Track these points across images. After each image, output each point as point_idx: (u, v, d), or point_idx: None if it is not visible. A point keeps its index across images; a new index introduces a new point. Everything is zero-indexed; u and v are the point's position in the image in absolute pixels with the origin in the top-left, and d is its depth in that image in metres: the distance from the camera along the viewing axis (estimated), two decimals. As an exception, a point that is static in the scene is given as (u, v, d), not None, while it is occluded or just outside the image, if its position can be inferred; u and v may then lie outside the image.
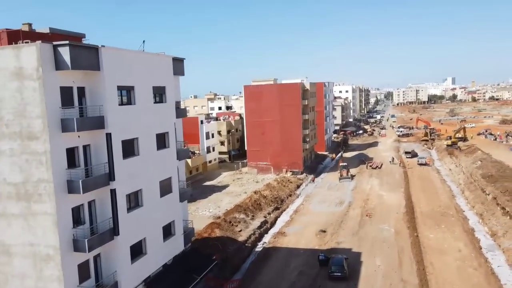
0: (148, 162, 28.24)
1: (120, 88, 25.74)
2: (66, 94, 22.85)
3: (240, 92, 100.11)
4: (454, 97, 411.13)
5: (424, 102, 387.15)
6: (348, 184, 74.87)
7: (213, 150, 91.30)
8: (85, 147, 24.16)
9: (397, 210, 57.07)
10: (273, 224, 55.32)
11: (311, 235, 49.33)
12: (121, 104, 26.06)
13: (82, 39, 30.23)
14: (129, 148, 26.56)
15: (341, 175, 78.49)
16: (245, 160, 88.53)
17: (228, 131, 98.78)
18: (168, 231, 31.18)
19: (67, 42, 21.90)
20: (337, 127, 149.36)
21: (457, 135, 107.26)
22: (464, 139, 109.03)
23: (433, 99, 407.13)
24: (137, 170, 27.10)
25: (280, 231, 51.68)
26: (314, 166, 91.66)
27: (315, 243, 46.72)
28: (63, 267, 22.28)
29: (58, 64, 21.96)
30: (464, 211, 55.74)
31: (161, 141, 30.17)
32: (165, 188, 30.43)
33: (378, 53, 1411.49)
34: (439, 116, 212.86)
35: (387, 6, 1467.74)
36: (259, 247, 47.24)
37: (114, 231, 25.10)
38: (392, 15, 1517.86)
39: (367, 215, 55.18)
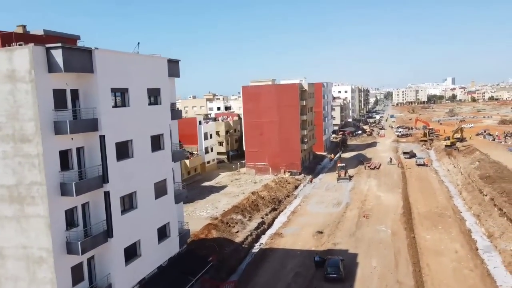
0: (142, 164, 28.23)
1: (114, 90, 25.74)
2: (59, 97, 22.85)
3: (238, 93, 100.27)
4: (453, 97, 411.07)
5: (423, 102, 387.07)
6: (346, 184, 74.84)
7: (212, 150, 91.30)
8: (78, 150, 24.15)
9: (394, 211, 57.05)
10: (270, 225, 55.30)
11: (308, 236, 49.31)
12: (115, 106, 26.06)
13: (77, 41, 30.22)
14: (123, 150, 26.55)
15: (339, 176, 78.47)
16: (243, 161, 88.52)
17: (227, 132, 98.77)
18: (163, 233, 31.17)
19: (59, 44, 21.88)
20: (336, 128, 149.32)
21: (455, 136, 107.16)
22: (461, 139, 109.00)
23: (433, 99, 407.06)
24: (131, 172, 27.08)
25: (277, 232, 51.66)
26: (312, 166, 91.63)
27: (311, 244, 46.70)
28: (56, 269, 22.27)
29: (51, 66, 21.95)
30: (461, 212, 55.70)
31: (156, 143, 30.16)
32: (160, 190, 30.43)
33: (378, 53, 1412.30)
34: (438, 116, 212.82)
35: (387, 6, 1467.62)
36: (256, 248, 47.22)
37: (108, 233, 25.09)
38: (392, 15, 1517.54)
39: (364, 216, 55.14)
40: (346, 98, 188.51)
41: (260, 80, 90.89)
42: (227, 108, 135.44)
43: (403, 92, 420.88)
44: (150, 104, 29.53)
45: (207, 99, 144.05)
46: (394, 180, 76.75)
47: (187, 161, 78.07)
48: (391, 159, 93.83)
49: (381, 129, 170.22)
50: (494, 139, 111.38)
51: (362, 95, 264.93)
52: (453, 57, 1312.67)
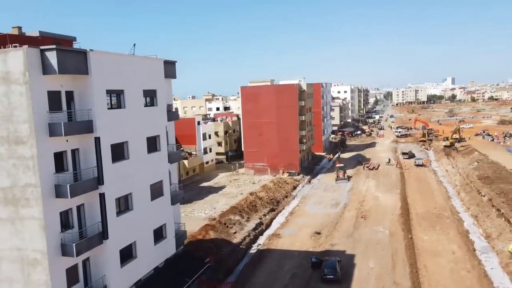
0: (138, 166, 28.20)
1: (109, 92, 25.72)
2: (54, 98, 22.82)
3: (238, 93, 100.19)
4: (453, 97, 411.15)
5: (423, 102, 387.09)
6: (344, 185, 74.83)
7: (210, 151, 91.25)
8: (73, 151, 24.12)
9: (392, 212, 57.02)
10: (268, 225, 55.27)
11: (306, 237, 49.30)
12: (111, 108, 26.04)
13: (73, 42, 30.27)
14: (119, 152, 26.52)
15: (337, 176, 78.45)
16: (242, 161, 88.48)
17: (226, 132, 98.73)
18: (159, 234, 31.15)
19: (54, 46, 21.86)
20: (335, 128, 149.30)
21: (453, 136, 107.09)
22: (459, 139, 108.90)
23: (433, 99, 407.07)
24: (127, 173, 27.05)
25: (275, 233, 51.64)
26: (311, 167, 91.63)
27: (309, 245, 46.68)
28: (50, 271, 22.25)
29: (45, 68, 21.92)
30: (459, 213, 55.68)
31: (152, 144, 30.13)
32: (156, 191, 30.40)
33: (378, 53, 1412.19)
34: (437, 117, 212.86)
35: (387, 6, 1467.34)
36: (253, 249, 47.20)
37: (103, 235, 25.06)
38: (392, 15, 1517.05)
39: (362, 217, 55.12)
40: (345, 98, 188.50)
41: (258, 81, 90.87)
42: (226, 108, 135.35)
43: (402, 92, 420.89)
44: (146, 105, 29.51)
45: (206, 100, 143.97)
46: (393, 180, 76.73)
47: (185, 162, 78.03)
48: (389, 159, 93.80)
49: (380, 129, 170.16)
50: (493, 140, 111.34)
51: (362, 95, 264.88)
52: (453, 57, 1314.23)
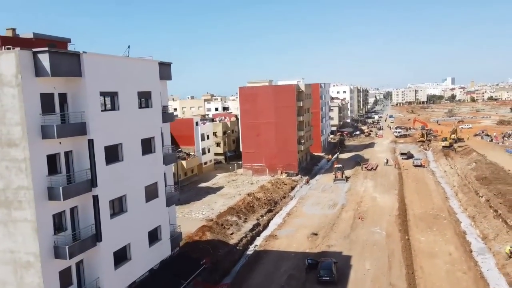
0: (132, 168, 28.16)
1: (103, 94, 25.66)
2: (47, 101, 22.78)
3: (236, 93, 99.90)
4: (453, 97, 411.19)
5: (423, 102, 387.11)
6: (342, 186, 74.80)
7: (209, 151, 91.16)
8: (67, 154, 24.07)
9: (389, 213, 56.99)
10: (265, 226, 55.23)
11: (303, 238, 49.27)
12: (104, 109, 25.97)
13: (68, 43, 30.23)
14: (113, 154, 26.47)
15: (335, 177, 78.42)
16: (241, 162, 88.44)
17: (224, 133, 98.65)
18: (154, 236, 31.10)
19: (46, 49, 21.81)
20: (334, 128, 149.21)
21: (452, 136, 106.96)
22: (456, 140, 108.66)
23: (432, 99, 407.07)
24: (121, 175, 27.01)
25: (272, 234, 51.59)
26: (309, 167, 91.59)
27: (306, 246, 46.65)
28: (43, 274, 22.21)
29: (38, 71, 21.88)
30: (456, 214, 55.66)
31: (147, 146, 30.08)
32: (151, 193, 30.35)
33: (378, 53, 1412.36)
34: (437, 117, 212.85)
35: (387, 6, 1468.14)
36: (250, 250, 47.17)
37: (97, 237, 25.02)
38: (392, 15, 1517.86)
39: (359, 218, 55.08)
40: (344, 98, 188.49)
41: (257, 81, 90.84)
42: (225, 108, 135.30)
43: (402, 92, 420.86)
44: (140, 107, 29.45)
45: (205, 100, 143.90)
46: (391, 181, 76.69)
47: (183, 162, 77.97)
48: (387, 160, 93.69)
49: (379, 129, 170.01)
50: (491, 140, 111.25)
51: (361, 95, 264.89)
52: (453, 57, 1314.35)
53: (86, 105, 24.13)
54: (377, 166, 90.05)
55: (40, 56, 21.78)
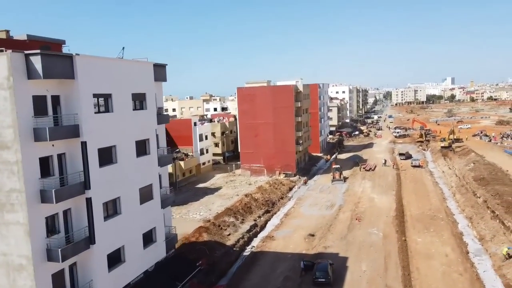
0: (126, 170, 28.11)
1: (96, 96, 25.64)
2: (39, 103, 22.76)
3: (235, 93, 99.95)
4: (452, 97, 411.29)
5: (422, 102, 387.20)
6: (340, 186, 74.72)
7: (207, 152, 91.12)
8: (60, 156, 24.04)
9: (387, 214, 56.90)
10: (263, 227, 55.15)
11: (300, 239, 49.20)
12: (98, 112, 25.94)
13: (62, 45, 30.19)
14: (106, 156, 26.43)
15: (333, 177, 78.36)
16: (239, 162, 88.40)
17: (223, 133, 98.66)
18: (148, 238, 31.07)
19: (38, 51, 21.76)
20: (333, 128, 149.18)
21: (450, 137, 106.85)
22: (453, 140, 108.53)
23: (432, 99, 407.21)
24: (114, 178, 26.97)
25: (269, 235, 51.50)
26: (307, 168, 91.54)
27: (302, 248, 46.58)
28: (35, 277, 22.18)
29: (30, 73, 21.85)
30: (454, 215, 55.57)
31: (141, 148, 30.05)
32: (145, 195, 30.33)
33: (378, 53, 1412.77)
34: (436, 117, 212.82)
35: (387, 6, 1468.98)
36: (247, 251, 47.09)
37: (90, 240, 24.99)
38: (392, 15, 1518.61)
39: (356, 219, 55.00)
40: (343, 98, 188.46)
41: (255, 82, 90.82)
42: (223, 109, 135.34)
43: (402, 92, 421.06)
44: (135, 109, 29.43)
45: (204, 100, 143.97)
46: (389, 181, 76.62)
47: (181, 163, 77.92)
48: (385, 160, 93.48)
49: (378, 129, 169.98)
50: (490, 140, 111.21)
51: (361, 95, 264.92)
52: (453, 57, 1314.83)
53: (79, 107, 24.10)
54: (375, 166, 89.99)
55: (32, 58, 21.74)
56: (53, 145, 23.21)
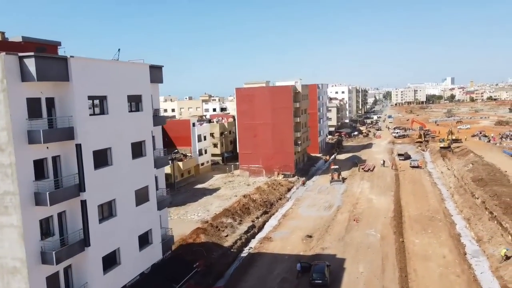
0: (122, 172, 28.03)
1: (91, 98, 25.55)
2: (33, 105, 22.66)
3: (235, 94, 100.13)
4: (452, 97, 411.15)
5: (422, 102, 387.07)
6: (338, 187, 74.65)
7: (206, 152, 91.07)
8: (54, 158, 23.96)
9: (385, 215, 56.85)
10: (261, 228, 55.09)
11: (297, 240, 49.14)
12: (93, 114, 25.85)
13: (58, 47, 30.14)
14: (102, 158, 26.35)
15: (332, 178, 78.29)
16: (238, 163, 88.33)
17: (221, 133, 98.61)
18: (144, 240, 30.99)
19: (32, 53, 21.68)
20: (332, 129, 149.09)
21: (449, 137, 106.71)
22: (451, 141, 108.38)
23: (432, 99, 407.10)
24: (110, 180, 26.88)
25: (267, 236, 51.45)
26: (306, 168, 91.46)
27: (300, 249, 46.53)
28: (30, 280, 22.10)
29: (24, 75, 21.76)
30: (452, 216, 55.52)
31: (137, 149, 29.95)
32: (141, 197, 30.23)
33: (378, 53, 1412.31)
34: (436, 117, 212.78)
35: (387, 6, 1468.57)
36: (244, 253, 47.03)
37: (85, 242, 24.90)
38: (392, 15, 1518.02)
39: (354, 220, 54.95)
40: (343, 99, 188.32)
41: (254, 82, 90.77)
42: (222, 109, 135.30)
43: (402, 92, 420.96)
44: (131, 111, 29.33)
45: (203, 100, 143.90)
46: (387, 182, 76.56)
47: (180, 164, 77.85)
48: (383, 161, 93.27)
49: (377, 130, 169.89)
50: (489, 141, 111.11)
51: (360, 96, 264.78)
52: (453, 57, 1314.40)
53: (74, 109, 24.00)
54: (374, 167, 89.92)
55: (26, 61, 21.66)
56: (47, 147, 23.13)
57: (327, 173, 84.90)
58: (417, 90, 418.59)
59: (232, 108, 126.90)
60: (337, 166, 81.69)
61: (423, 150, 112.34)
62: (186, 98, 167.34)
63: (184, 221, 54.85)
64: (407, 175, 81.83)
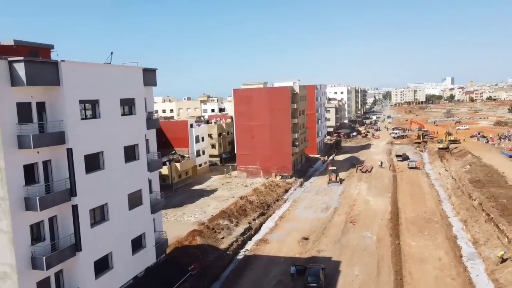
0: (114, 176, 27.91)
1: (83, 102, 25.41)
2: (24, 110, 22.55)
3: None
4: (451, 97, 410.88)
5: (421, 102, 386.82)
6: (336, 188, 74.53)
7: (203, 153, 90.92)
8: (45, 163, 23.83)
9: (382, 216, 56.72)
10: (257, 230, 54.94)
11: (294, 243, 49.02)
12: (85, 118, 25.73)
13: (51, 50, 29.97)
14: (93, 162, 26.22)
15: (329, 179, 78.16)
16: (236, 163, 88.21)
17: (219, 134, 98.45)
18: (138, 244, 30.86)
19: (22, 58, 21.56)
20: (331, 129, 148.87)
21: (447, 138, 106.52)
22: (449, 142, 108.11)
23: (431, 99, 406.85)
24: (102, 184, 26.77)
25: (263, 238, 51.33)
26: (304, 169, 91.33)
27: (296, 251, 46.41)
28: (20, 285, 21.99)
29: (14, 80, 21.64)
30: (449, 218, 55.39)
31: (130, 153, 29.83)
32: (134, 200, 30.11)
33: (377, 53, 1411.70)
34: (435, 117, 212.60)
35: (387, 6, 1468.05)
36: (240, 255, 46.90)
37: (76, 247, 24.79)
38: (392, 15, 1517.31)
39: (351, 222, 54.81)
40: (342, 99, 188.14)
41: (251, 83, 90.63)
42: (221, 110, 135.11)
43: (401, 92, 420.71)
44: (123, 114, 29.19)
45: (202, 101, 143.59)
46: (385, 183, 76.42)
47: (177, 165, 77.70)
48: (381, 162, 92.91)
49: (376, 130, 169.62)
50: (487, 142, 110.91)
51: (359, 96, 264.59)
52: (452, 57, 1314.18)
53: (65, 114, 23.88)
54: (372, 168, 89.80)
55: (15, 65, 21.54)
56: (38, 152, 23.00)
57: (325, 174, 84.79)
58: (416, 90, 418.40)
59: (230, 108, 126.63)
60: (334, 167, 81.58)
61: (422, 151, 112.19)
62: (184, 99, 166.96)
63: (181, 223, 54.72)
64: (405, 176, 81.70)
